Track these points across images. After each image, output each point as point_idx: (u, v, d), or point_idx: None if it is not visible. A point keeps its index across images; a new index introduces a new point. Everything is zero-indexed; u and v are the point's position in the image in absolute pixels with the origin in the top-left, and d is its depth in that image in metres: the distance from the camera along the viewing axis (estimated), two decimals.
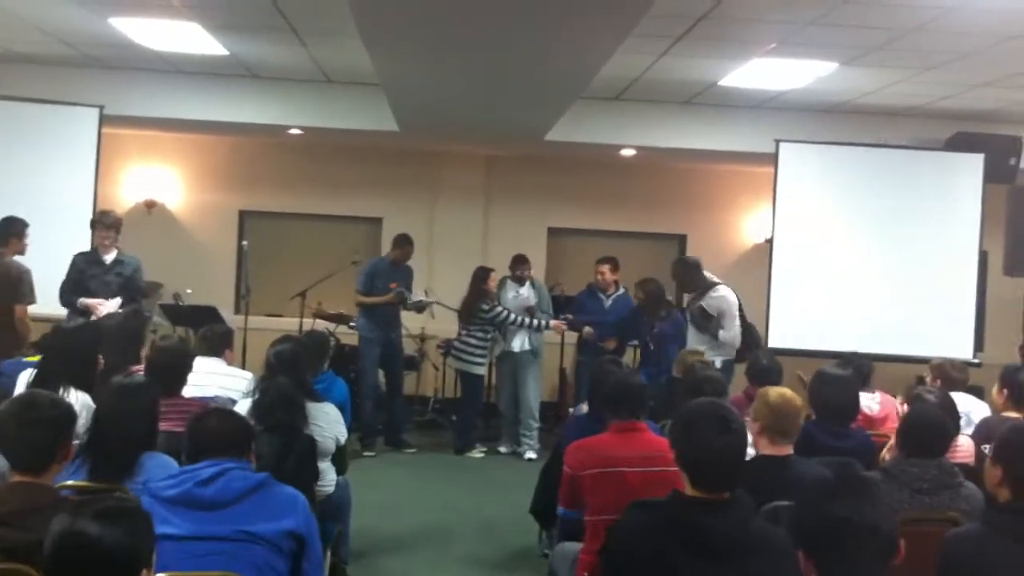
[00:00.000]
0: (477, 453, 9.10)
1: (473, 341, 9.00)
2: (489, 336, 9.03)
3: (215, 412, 3.47)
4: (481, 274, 9.10)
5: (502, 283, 9.31)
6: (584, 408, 5.49)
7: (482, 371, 9.17)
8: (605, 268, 9.27)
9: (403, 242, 9.28)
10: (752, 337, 7.90)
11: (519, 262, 9.31)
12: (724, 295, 7.75)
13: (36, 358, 5.24)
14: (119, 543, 2.22)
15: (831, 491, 2.12)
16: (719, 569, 2.78)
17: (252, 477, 3.21)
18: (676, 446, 3.00)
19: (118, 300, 7.40)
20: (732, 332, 7.64)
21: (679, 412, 3.11)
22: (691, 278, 8.00)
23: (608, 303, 9.20)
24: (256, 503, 3.15)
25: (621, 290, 9.27)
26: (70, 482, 3.40)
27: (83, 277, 7.43)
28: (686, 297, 8.59)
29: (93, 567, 2.21)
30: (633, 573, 2.89)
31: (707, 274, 7.95)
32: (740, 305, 7.79)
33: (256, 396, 4.55)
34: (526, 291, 9.21)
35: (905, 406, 5.21)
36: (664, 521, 2.88)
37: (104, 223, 7.67)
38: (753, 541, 2.83)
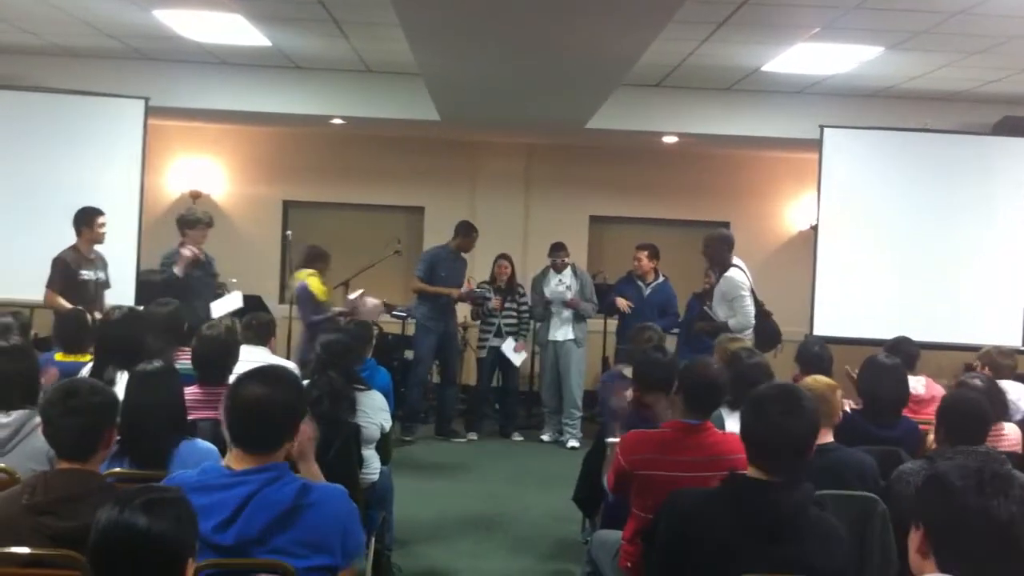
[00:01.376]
0: (471, 437, 9.28)
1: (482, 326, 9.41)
2: (490, 321, 9.27)
3: (260, 376, 2.92)
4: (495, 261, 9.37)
5: (544, 272, 9.32)
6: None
7: (481, 354, 9.41)
8: (642, 255, 9.17)
9: (468, 230, 9.31)
10: (770, 331, 7.67)
11: (555, 249, 9.30)
12: (731, 276, 7.55)
13: (73, 357, 5.33)
14: (165, 533, 2.24)
15: (977, 485, 2.07)
16: (773, 549, 2.81)
17: (282, 500, 2.76)
18: (745, 422, 3.05)
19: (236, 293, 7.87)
20: (743, 315, 7.43)
21: (752, 393, 3.14)
22: (715, 251, 7.83)
23: (647, 291, 9.10)
24: (284, 540, 2.74)
25: (661, 278, 9.19)
26: (116, 469, 3.45)
27: (186, 280, 7.56)
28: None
29: (140, 557, 2.23)
30: (685, 550, 2.92)
31: (734, 258, 7.81)
32: (753, 290, 7.59)
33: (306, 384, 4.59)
34: (568, 279, 9.20)
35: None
36: (721, 500, 2.92)
37: (207, 222, 7.81)
38: (810, 526, 2.87)
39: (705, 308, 7.91)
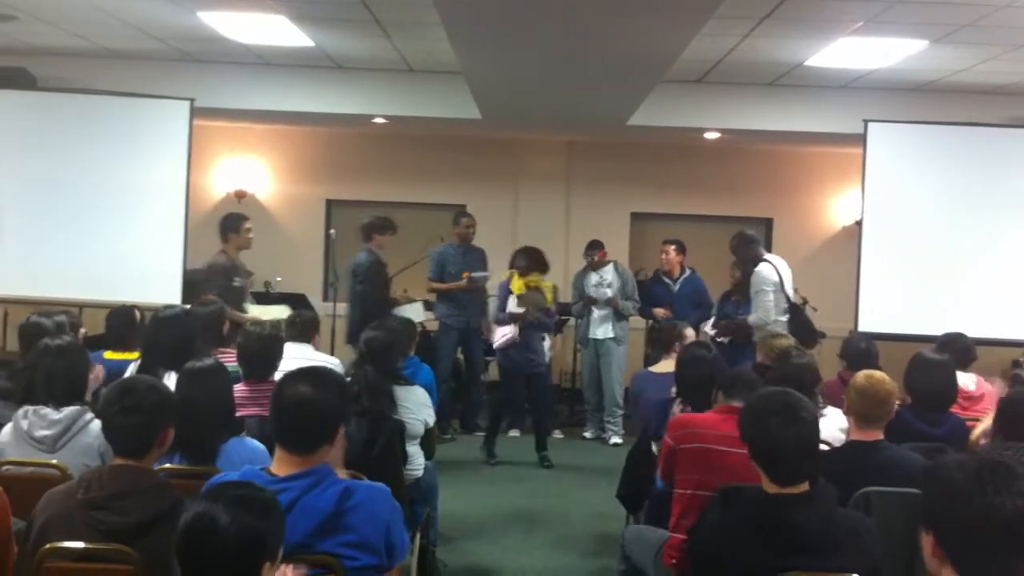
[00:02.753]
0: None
1: None
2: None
3: (306, 376, 2.92)
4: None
5: (584, 270, 9.31)
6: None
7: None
8: (670, 248, 9.19)
9: (459, 218, 9.19)
10: (802, 321, 7.54)
11: (589, 247, 9.26)
12: (758, 270, 7.41)
13: (121, 355, 5.41)
14: (244, 532, 2.25)
15: (980, 483, 2.01)
16: (807, 561, 2.79)
17: (324, 506, 2.75)
18: (747, 438, 3.04)
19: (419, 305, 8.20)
20: (762, 310, 7.27)
21: (748, 403, 3.15)
22: (743, 251, 7.75)
23: (676, 287, 9.11)
24: (329, 544, 2.74)
25: (688, 272, 9.21)
26: (167, 465, 3.50)
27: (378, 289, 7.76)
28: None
29: (216, 552, 2.25)
30: (723, 569, 2.91)
31: (764, 254, 7.70)
32: (782, 282, 7.44)
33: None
34: (609, 276, 9.18)
35: (996, 386, 5.12)
36: (748, 518, 2.90)
37: (394, 228, 8.09)
38: (838, 532, 2.85)
39: (726, 310, 7.85)
